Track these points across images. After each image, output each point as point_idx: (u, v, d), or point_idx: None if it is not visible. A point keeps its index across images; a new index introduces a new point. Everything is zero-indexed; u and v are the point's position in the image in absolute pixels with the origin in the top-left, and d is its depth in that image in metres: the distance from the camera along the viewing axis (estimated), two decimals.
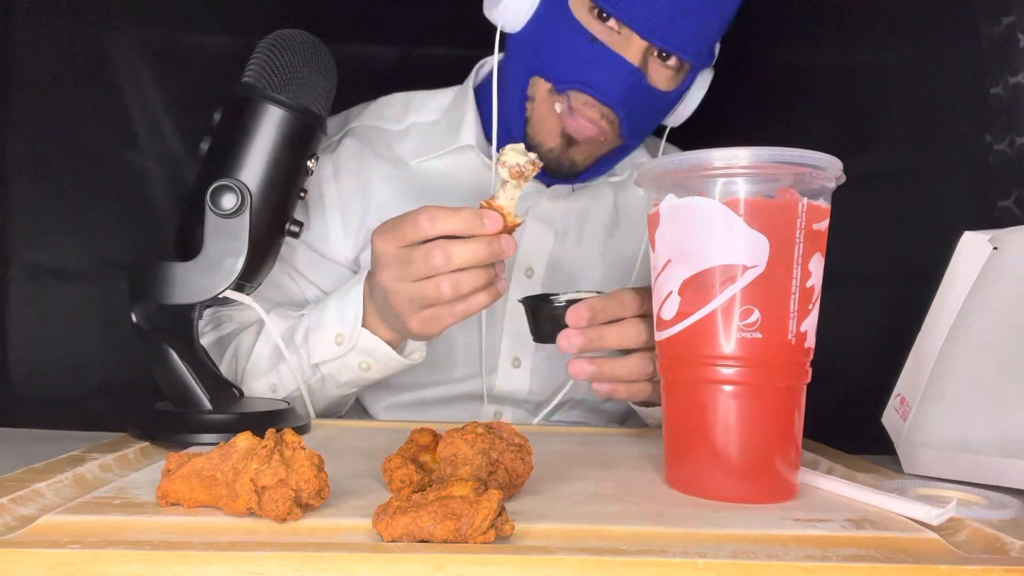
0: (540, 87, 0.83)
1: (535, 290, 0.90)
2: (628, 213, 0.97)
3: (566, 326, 0.64)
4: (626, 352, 0.67)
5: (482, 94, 0.91)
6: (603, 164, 0.90)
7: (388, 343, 0.75)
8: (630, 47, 0.78)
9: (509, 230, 0.65)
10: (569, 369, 0.65)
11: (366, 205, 0.90)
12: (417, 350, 0.78)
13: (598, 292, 0.67)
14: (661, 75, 0.82)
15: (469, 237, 0.63)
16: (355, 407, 0.95)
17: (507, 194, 0.63)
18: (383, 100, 0.97)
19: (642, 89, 0.80)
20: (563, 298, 0.66)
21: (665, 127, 0.93)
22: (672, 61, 0.81)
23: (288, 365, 0.78)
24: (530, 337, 0.69)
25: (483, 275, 0.65)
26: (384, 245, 0.66)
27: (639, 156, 0.97)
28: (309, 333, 0.78)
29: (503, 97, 0.86)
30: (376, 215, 0.88)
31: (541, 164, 0.63)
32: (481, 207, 0.64)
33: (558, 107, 0.82)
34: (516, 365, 0.91)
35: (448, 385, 0.91)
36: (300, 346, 0.78)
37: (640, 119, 0.83)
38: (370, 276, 0.73)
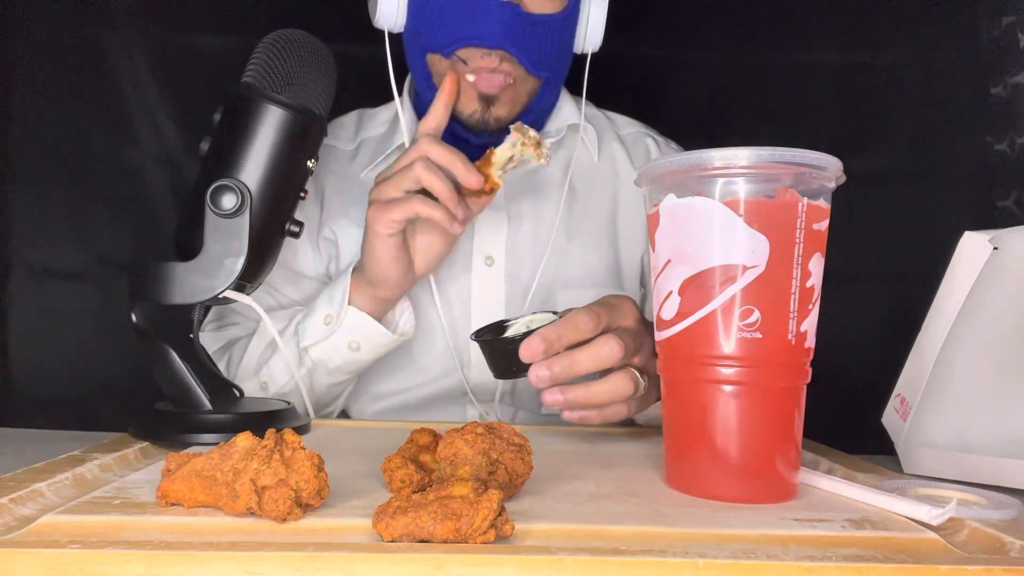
0: (436, 62, 0.84)
1: (498, 278, 0.90)
2: (581, 178, 0.95)
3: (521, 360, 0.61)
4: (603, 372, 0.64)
5: (415, 96, 0.92)
6: (536, 111, 0.88)
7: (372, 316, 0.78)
8: None
9: (488, 189, 0.74)
10: (544, 399, 0.62)
11: (323, 215, 0.93)
12: (407, 324, 0.80)
13: (554, 313, 0.64)
14: (536, 0, 0.80)
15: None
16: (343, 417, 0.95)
17: (505, 145, 0.72)
18: (337, 121, 0.99)
19: (522, 19, 0.79)
20: (518, 323, 0.63)
21: (585, 57, 0.89)
22: None
23: (280, 358, 0.80)
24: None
25: (448, 186, 0.72)
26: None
27: (570, 115, 0.95)
28: (300, 323, 0.80)
29: (417, 87, 0.88)
30: (329, 224, 0.92)
31: (546, 157, 0.73)
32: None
33: (470, 77, 0.82)
34: None
35: (427, 385, 0.91)
36: (291, 337, 0.80)
37: (537, 49, 0.81)
38: (359, 267, 0.79)
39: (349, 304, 0.78)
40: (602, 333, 0.62)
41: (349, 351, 0.79)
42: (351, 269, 0.80)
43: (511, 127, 0.72)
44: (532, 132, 0.72)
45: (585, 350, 0.61)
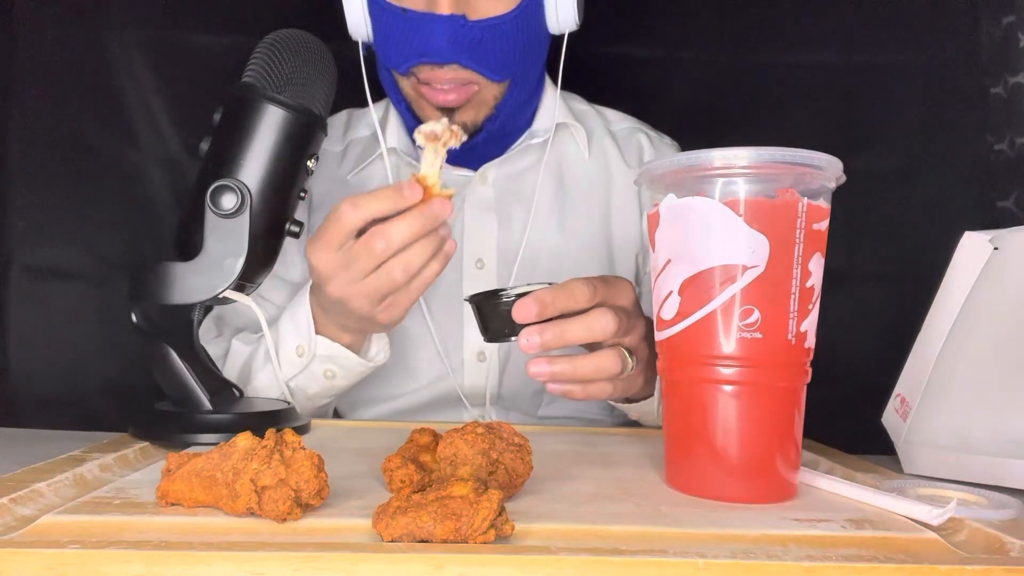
0: (397, 77, 0.83)
1: (489, 282, 0.89)
2: (572, 177, 0.94)
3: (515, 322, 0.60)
4: (592, 348, 0.63)
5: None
6: (508, 108, 0.86)
7: (349, 347, 0.74)
8: None
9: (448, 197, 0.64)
10: (528, 369, 0.60)
11: (311, 219, 0.92)
12: (381, 351, 0.78)
13: (549, 284, 0.62)
14: (485, 4, 0.78)
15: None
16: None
17: (427, 161, 0.63)
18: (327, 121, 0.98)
19: (469, 29, 0.77)
20: (512, 292, 0.61)
21: (562, 37, 0.86)
22: None
23: (260, 381, 0.78)
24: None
25: (429, 246, 0.64)
26: (319, 255, 0.65)
27: (550, 107, 0.92)
28: (277, 349, 0.77)
29: (391, 99, 0.87)
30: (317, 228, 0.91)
31: (463, 135, 0.64)
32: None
33: (425, 91, 0.81)
34: (481, 359, 0.89)
35: (422, 391, 0.90)
36: (264, 365, 0.78)
37: (492, 54, 0.79)
38: (315, 290, 0.72)
39: (317, 334, 0.74)
40: (597, 307, 0.61)
41: (325, 379, 0.76)
42: (307, 294, 0.75)
43: (420, 141, 0.64)
44: (429, 130, 0.64)
45: (578, 320, 0.60)
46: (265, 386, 0.78)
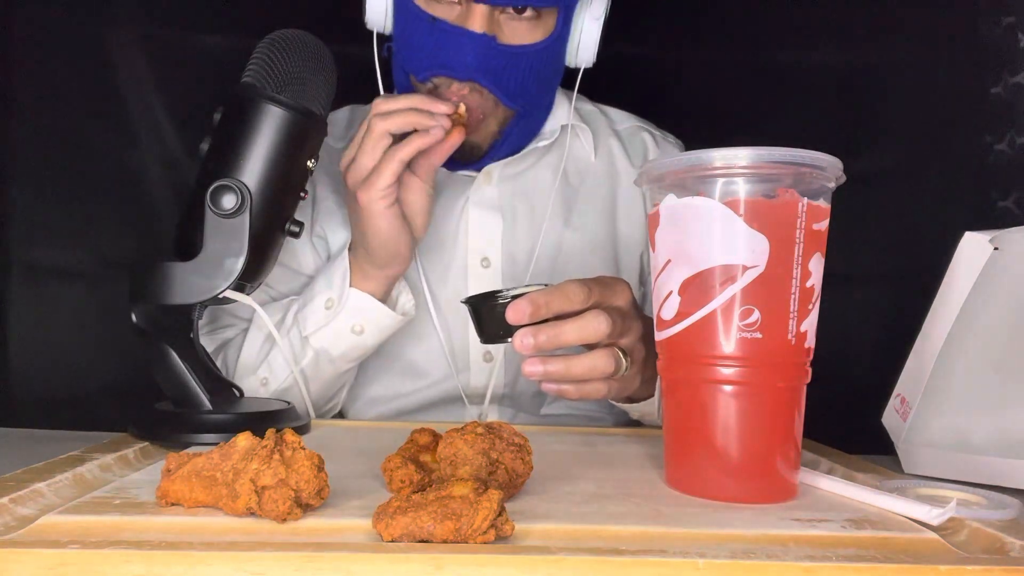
0: (414, 81, 0.83)
1: (494, 281, 0.90)
2: (579, 177, 0.94)
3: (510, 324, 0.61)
4: (588, 348, 0.64)
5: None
6: (516, 136, 0.87)
7: (372, 294, 0.77)
8: (473, 15, 0.76)
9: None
10: (523, 369, 0.62)
11: (315, 212, 0.93)
12: (408, 303, 0.80)
13: (545, 285, 0.63)
14: (517, 30, 0.79)
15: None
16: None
17: None
18: (329, 117, 0.98)
19: (498, 51, 0.78)
20: (507, 294, 0.62)
21: (578, 71, 0.88)
22: (528, 12, 0.79)
23: (280, 351, 0.79)
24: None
25: (415, 115, 0.71)
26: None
27: (564, 116, 0.93)
28: (299, 311, 0.79)
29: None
30: (320, 221, 0.92)
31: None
32: None
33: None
34: (488, 359, 0.90)
35: (426, 390, 0.90)
36: (290, 328, 0.79)
37: (512, 80, 0.80)
38: (353, 245, 0.79)
39: (351, 287, 0.77)
40: (592, 308, 0.62)
41: (352, 335, 0.78)
42: (346, 251, 0.79)
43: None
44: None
45: (572, 322, 0.61)
46: (285, 358, 0.79)
